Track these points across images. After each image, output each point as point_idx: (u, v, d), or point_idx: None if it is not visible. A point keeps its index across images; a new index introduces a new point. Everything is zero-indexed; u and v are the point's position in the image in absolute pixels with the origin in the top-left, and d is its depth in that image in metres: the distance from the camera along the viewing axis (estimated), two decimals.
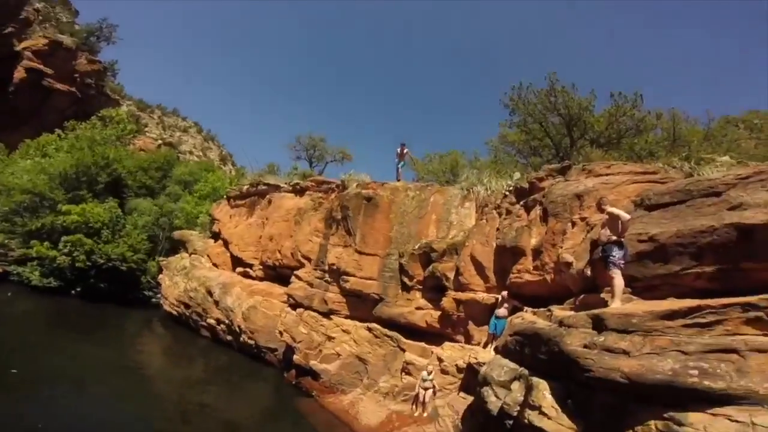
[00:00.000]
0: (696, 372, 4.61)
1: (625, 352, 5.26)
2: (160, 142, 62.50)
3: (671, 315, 5.32)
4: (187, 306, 19.87)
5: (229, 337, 17.48)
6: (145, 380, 12.07)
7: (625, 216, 6.80)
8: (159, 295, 23.40)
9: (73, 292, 21.73)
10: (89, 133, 29.34)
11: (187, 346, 17.65)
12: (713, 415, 4.40)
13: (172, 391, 11.77)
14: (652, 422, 4.74)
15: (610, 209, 7.07)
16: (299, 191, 19.22)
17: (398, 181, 16.10)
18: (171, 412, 10.07)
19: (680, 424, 4.51)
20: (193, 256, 23.24)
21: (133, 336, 18.57)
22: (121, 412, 9.45)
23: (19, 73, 40.50)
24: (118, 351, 14.85)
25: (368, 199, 14.09)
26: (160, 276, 23.58)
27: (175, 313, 20.70)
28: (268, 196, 20.42)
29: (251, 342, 16.18)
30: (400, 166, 17.19)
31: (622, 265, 6.61)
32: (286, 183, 20.28)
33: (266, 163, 27.19)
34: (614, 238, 6.77)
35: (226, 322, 17.50)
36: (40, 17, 46.83)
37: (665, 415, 4.66)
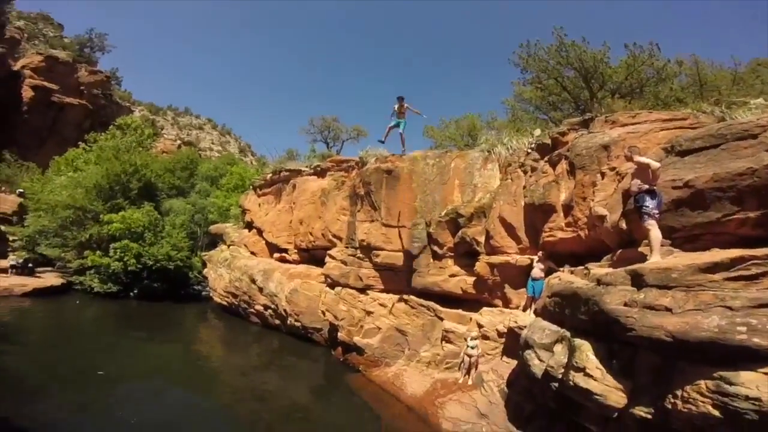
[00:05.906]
0: (744, 329, 4.37)
1: (668, 309, 5.07)
2: (179, 142, 63.76)
3: (713, 268, 5.04)
4: (234, 295, 20.80)
5: (277, 321, 18.23)
6: (209, 370, 12.85)
7: (655, 164, 6.39)
8: (208, 288, 24.58)
9: (131, 294, 23.22)
10: (111, 142, 29.87)
11: (240, 334, 18.58)
12: (766, 374, 4.21)
13: (234, 378, 12.49)
14: (702, 382, 4.61)
15: (637, 158, 6.62)
16: (320, 173, 19.30)
17: (390, 144, 15.30)
18: (237, 399, 10.73)
19: (731, 383, 4.36)
20: (231, 247, 24.09)
21: (191, 329, 19.79)
22: (194, 403, 10.23)
23: (26, 93, 41.96)
24: (181, 345, 15.96)
25: (388, 172, 13.96)
26: (205, 270, 24.70)
27: (225, 303, 21.71)
28: (291, 181, 20.63)
29: (297, 324, 16.82)
30: (397, 126, 14.52)
31: (657, 216, 6.26)
32: (306, 167, 20.39)
33: (285, 149, 27.38)
34: (646, 186, 6.38)
35: (272, 306, 18.17)
36: (26, 35, 47.61)
37: (715, 375, 4.50)
